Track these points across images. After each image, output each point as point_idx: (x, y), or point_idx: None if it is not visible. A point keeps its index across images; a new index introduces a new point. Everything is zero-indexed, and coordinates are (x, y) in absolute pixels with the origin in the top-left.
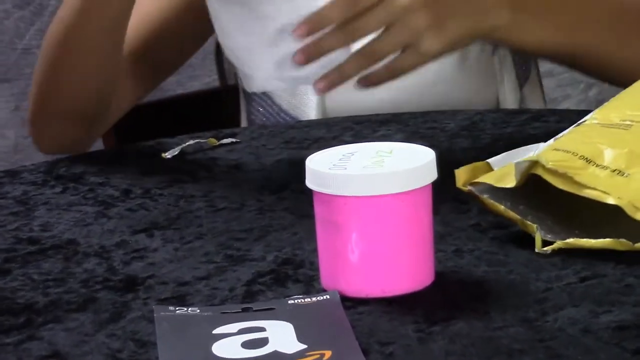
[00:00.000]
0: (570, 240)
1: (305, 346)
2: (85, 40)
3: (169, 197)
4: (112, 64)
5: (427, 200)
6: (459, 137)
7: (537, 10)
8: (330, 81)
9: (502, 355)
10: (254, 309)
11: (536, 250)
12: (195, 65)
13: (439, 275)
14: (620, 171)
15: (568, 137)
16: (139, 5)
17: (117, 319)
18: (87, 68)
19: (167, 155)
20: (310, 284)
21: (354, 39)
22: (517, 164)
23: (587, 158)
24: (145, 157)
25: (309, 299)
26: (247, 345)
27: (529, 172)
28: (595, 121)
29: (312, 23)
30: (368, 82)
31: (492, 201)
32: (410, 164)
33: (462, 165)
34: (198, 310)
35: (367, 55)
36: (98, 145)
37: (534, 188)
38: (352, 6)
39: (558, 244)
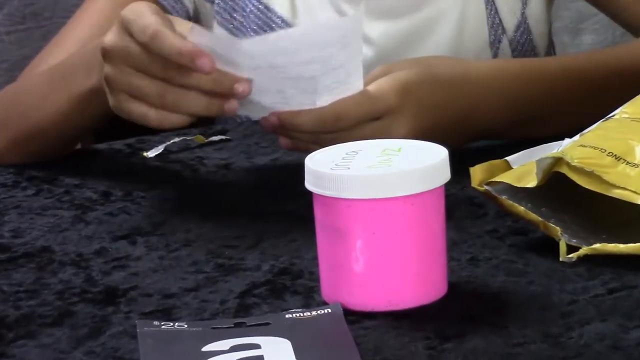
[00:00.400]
0: (597, 246)
1: None
2: (59, 139)
3: (152, 200)
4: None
5: (439, 203)
6: None
7: (523, 112)
8: (294, 146)
9: None
10: (248, 324)
11: (560, 258)
12: None
13: (453, 287)
14: None
15: (595, 132)
16: (77, 30)
17: (96, 334)
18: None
19: (150, 154)
20: (310, 296)
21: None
22: (539, 161)
23: (616, 155)
24: (126, 156)
25: (309, 313)
26: None
27: (552, 170)
28: (626, 115)
29: (284, 127)
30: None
31: (511, 202)
32: (421, 164)
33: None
34: (186, 325)
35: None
36: None
37: (556, 189)
38: (331, 125)
39: (584, 249)
